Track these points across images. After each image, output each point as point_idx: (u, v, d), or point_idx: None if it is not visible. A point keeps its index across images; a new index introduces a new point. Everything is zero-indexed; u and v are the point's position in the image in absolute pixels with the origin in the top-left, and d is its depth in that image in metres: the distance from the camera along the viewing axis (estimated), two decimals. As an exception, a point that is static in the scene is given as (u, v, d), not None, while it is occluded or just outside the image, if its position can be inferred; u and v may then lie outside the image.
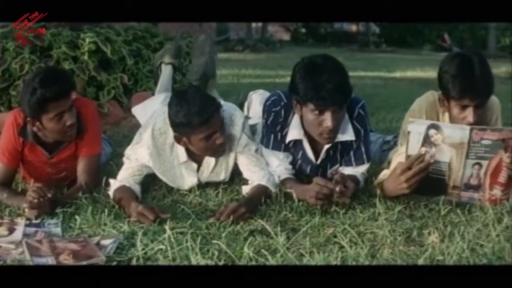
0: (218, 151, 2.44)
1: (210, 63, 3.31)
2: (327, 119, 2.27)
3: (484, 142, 2.14)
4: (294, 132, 2.46)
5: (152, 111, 2.97)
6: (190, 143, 2.38)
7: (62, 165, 2.52)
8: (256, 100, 2.99)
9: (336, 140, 2.42)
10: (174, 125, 2.35)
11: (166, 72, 3.34)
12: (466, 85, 2.21)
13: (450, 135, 2.14)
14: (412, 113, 2.48)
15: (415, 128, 2.17)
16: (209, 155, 2.48)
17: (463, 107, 2.26)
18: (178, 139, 2.39)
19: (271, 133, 2.52)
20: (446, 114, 2.40)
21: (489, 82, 2.25)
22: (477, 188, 2.23)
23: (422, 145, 2.16)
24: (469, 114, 2.25)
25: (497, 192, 2.23)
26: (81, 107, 2.48)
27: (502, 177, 2.21)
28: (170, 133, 2.44)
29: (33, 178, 2.48)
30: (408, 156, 2.18)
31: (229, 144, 2.48)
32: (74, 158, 2.51)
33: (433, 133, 2.14)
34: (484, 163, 2.18)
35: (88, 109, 2.55)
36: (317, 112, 2.27)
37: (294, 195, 2.35)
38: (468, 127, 2.13)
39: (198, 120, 2.26)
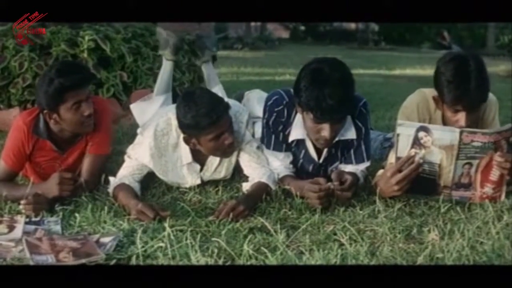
0: (227, 152, 2.43)
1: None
2: (325, 130, 2.26)
3: (474, 144, 2.14)
4: (297, 132, 2.45)
5: (151, 113, 2.94)
6: (199, 144, 2.36)
7: (71, 164, 2.50)
8: (254, 100, 2.96)
9: (338, 138, 2.41)
10: (183, 126, 2.33)
11: (166, 68, 3.24)
12: (461, 93, 2.16)
13: (440, 138, 2.13)
14: (404, 110, 2.46)
15: (404, 130, 2.16)
16: (218, 155, 2.47)
17: (456, 111, 2.24)
18: (187, 140, 2.38)
19: (272, 134, 2.50)
20: (438, 113, 2.39)
21: (484, 89, 2.20)
22: (468, 186, 2.23)
23: (412, 147, 2.15)
24: (462, 118, 2.22)
25: (488, 190, 2.23)
26: (97, 105, 2.47)
27: (493, 175, 2.20)
28: (173, 134, 2.44)
29: (42, 179, 2.44)
30: (397, 158, 2.17)
31: None
32: (83, 156, 2.50)
33: (423, 135, 2.13)
34: (475, 162, 2.18)
35: (103, 107, 2.55)
36: (316, 121, 2.27)
37: (293, 192, 2.34)
38: (458, 130, 2.12)
39: (207, 121, 2.25)
